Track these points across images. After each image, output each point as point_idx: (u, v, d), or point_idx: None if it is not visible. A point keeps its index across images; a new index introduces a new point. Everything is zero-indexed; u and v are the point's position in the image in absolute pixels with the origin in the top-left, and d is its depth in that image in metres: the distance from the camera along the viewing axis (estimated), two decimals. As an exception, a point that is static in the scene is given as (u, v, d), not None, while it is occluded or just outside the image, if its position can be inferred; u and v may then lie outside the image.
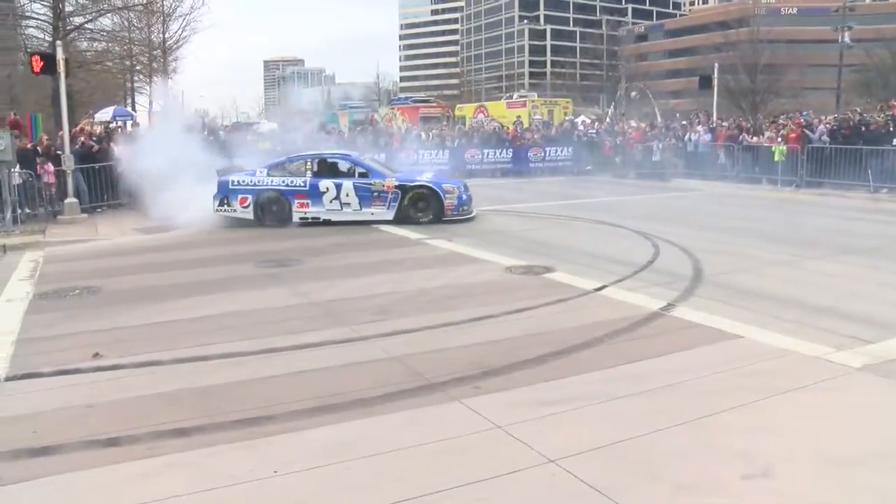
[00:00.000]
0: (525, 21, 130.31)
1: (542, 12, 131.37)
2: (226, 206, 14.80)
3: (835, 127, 21.89)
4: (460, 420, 5.05)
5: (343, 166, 15.20)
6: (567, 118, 33.08)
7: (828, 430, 4.96)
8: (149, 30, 34.75)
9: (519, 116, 32.25)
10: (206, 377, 6.03)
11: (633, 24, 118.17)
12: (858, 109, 26.41)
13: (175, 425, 5.01)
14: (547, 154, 27.07)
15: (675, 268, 10.11)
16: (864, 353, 6.46)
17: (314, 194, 14.73)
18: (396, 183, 14.87)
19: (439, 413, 5.21)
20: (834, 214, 16.05)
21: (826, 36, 57.10)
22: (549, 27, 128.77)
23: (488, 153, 27.06)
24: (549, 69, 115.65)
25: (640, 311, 7.80)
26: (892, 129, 19.43)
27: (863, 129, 20.77)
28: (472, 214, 15.31)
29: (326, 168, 15.09)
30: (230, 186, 14.81)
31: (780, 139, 22.08)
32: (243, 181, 14.88)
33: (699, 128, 25.49)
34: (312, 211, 14.79)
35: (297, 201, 14.74)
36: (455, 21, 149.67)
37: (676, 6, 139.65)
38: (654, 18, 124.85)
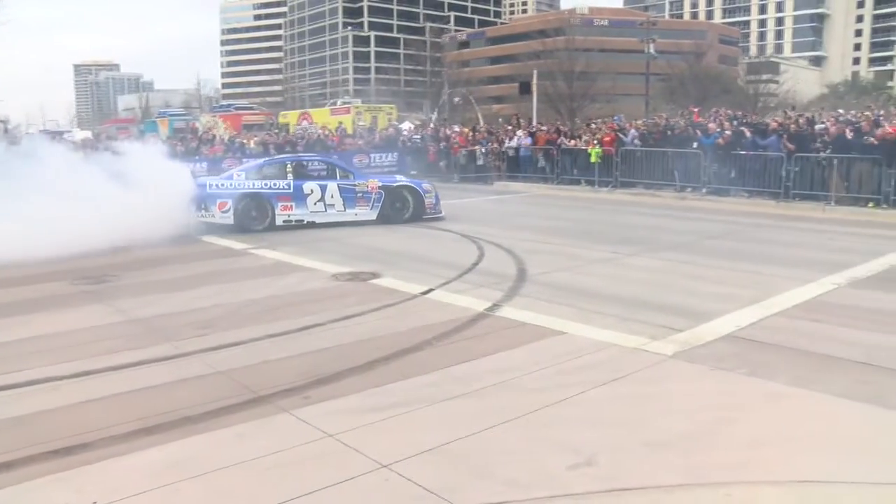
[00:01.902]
0: (349, 28, 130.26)
1: (366, 19, 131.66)
2: (204, 211, 14.29)
3: (645, 131, 23.41)
4: (291, 431, 5.00)
5: (322, 168, 15.70)
6: (391, 124, 33.33)
7: (646, 416, 5.28)
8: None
9: (341, 123, 32.10)
10: (16, 406, 5.62)
11: (456, 31, 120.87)
12: (665, 115, 28.40)
13: (-20, 461, 4.65)
14: (372, 160, 27.12)
15: (500, 269, 10.43)
16: (675, 342, 6.95)
17: (298, 196, 14.78)
18: (380, 184, 15.43)
19: (269, 426, 5.14)
20: (647, 213, 17.13)
21: (635, 46, 60.89)
22: (373, 34, 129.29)
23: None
24: (373, 75, 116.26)
25: (467, 313, 7.99)
26: (692, 133, 20.99)
27: (669, 133, 22.28)
28: (441, 214, 15.82)
29: (306, 170, 15.48)
30: (207, 191, 14.43)
31: (595, 142, 23.28)
32: (222, 185, 14.66)
33: (520, 132, 26.39)
34: (297, 213, 14.81)
35: (280, 204, 14.69)
36: (278, 27, 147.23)
37: (498, 14, 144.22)
38: (477, 26, 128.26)
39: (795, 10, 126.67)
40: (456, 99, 61.63)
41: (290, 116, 43.64)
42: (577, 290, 9.22)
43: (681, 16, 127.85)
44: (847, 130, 18.00)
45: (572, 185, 23.02)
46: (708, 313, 7.95)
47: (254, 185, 14.67)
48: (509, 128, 28.64)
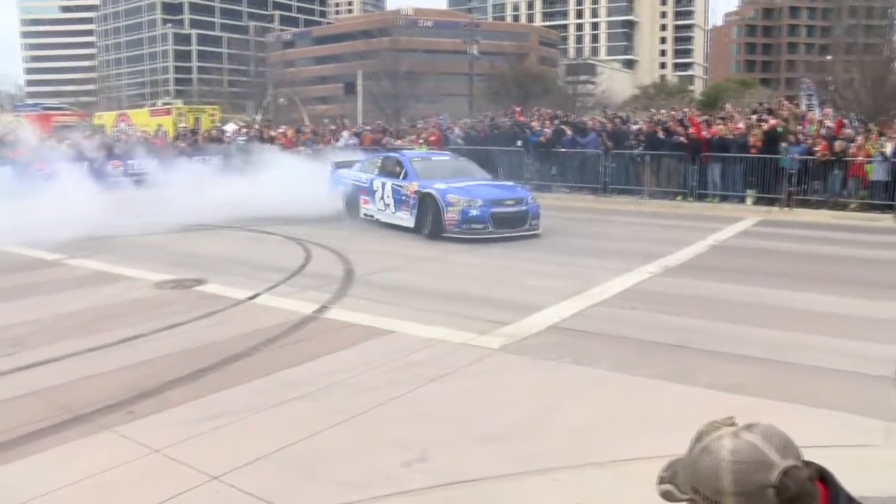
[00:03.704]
0: (168, 24, 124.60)
1: (186, 16, 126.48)
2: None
3: (469, 130, 24.08)
4: (115, 450, 4.77)
5: (397, 165, 14.78)
6: (215, 125, 32.34)
7: (476, 409, 5.44)
8: None
9: (161, 125, 30.76)
10: None
11: (281, 30, 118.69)
12: (490, 114, 29.27)
13: None
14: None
15: (327, 270, 10.40)
16: (502, 335, 7.20)
17: (371, 192, 14.79)
18: (417, 187, 13.73)
19: (91, 446, 4.87)
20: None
21: (458, 47, 62.21)
22: (194, 32, 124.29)
23: (132, 164, 25.55)
24: (195, 75, 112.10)
25: (295, 316, 7.93)
26: (520, 131, 21.87)
27: (494, 131, 23.05)
28: (527, 231, 13.50)
29: (389, 166, 14.88)
30: (339, 179, 15.69)
31: (421, 141, 23.67)
32: (344, 175, 15.79)
33: (345, 133, 26.40)
34: (371, 209, 14.84)
35: (362, 198, 14.99)
36: (90, 20, 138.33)
37: (323, 14, 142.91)
38: (302, 26, 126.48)
39: (608, 16, 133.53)
40: (281, 99, 60.67)
41: (105, 118, 41.17)
42: (404, 289, 9.37)
43: (503, 18, 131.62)
44: (658, 130, 19.42)
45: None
46: (532, 306, 8.29)
47: (354, 177, 15.56)
48: (333, 128, 28.57)
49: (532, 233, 13.39)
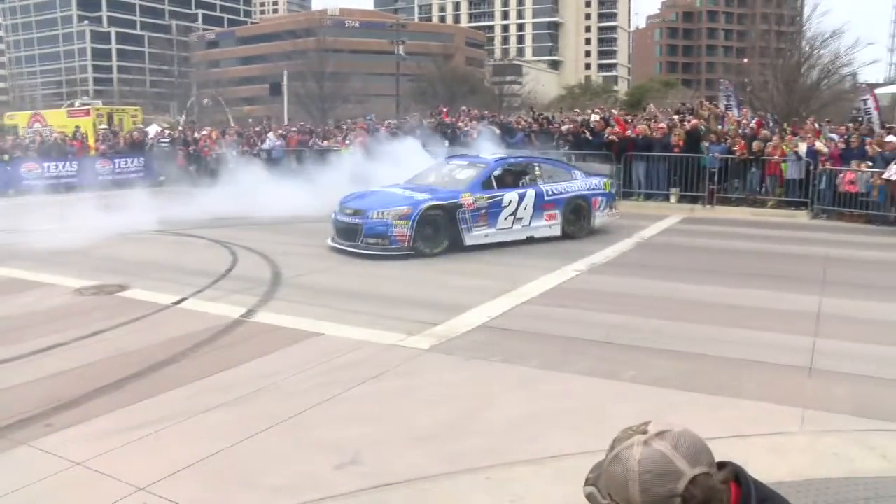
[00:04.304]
0: (85, 21, 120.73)
1: (104, 13, 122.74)
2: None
3: (395, 130, 24.10)
4: (33, 465, 4.58)
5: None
6: (137, 127, 31.54)
7: (407, 410, 5.44)
8: None
9: (78, 126, 29.77)
10: None
11: (205, 30, 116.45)
12: (417, 114, 29.33)
13: None
14: (116, 166, 25.61)
15: (254, 273, 10.25)
16: (431, 335, 7.22)
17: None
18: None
19: (7, 462, 4.67)
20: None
21: (385, 48, 62.07)
22: (113, 29, 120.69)
23: (49, 166, 24.78)
24: (115, 75, 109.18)
25: (222, 321, 7.80)
26: (446, 132, 22.07)
27: (418, 131, 23.13)
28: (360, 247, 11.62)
29: None
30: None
31: (348, 142, 23.57)
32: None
33: (271, 134, 26.10)
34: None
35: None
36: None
37: (248, 14, 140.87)
38: (226, 25, 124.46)
39: (534, 17, 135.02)
40: (205, 100, 59.61)
41: (18, 118, 39.65)
42: (332, 291, 9.30)
43: (430, 19, 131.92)
44: (584, 130, 19.80)
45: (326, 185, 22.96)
46: (461, 306, 8.32)
47: None
48: (258, 129, 28.23)
49: (363, 251, 11.52)
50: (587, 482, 1.54)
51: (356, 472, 4.47)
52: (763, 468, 4.18)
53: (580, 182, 13.58)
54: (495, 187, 12.48)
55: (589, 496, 1.53)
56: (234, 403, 5.57)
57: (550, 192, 13.00)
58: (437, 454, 4.70)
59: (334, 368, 6.33)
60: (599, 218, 13.69)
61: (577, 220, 13.32)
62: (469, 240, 11.99)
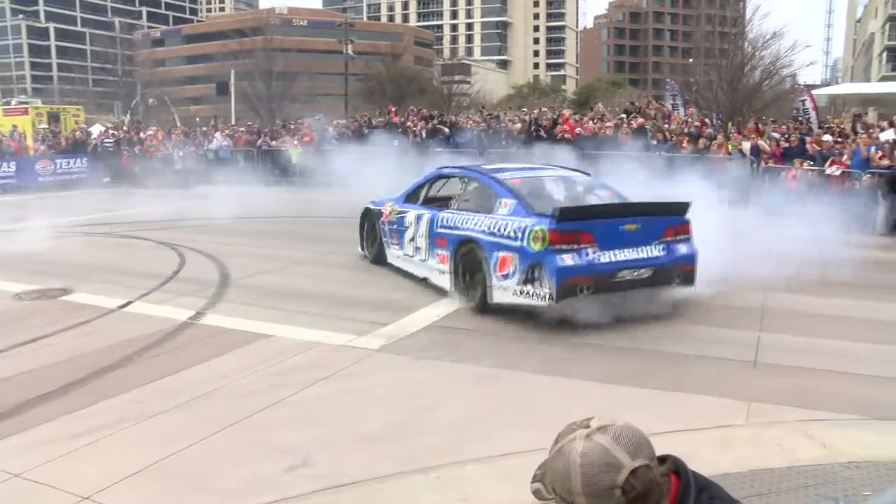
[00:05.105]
0: (21, 16, 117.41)
1: (42, 8, 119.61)
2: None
3: (344, 130, 24.03)
4: (-33, 478, 4.41)
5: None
6: (79, 127, 30.83)
7: (358, 410, 5.42)
8: None
9: (16, 126, 28.92)
10: None
11: (149, 27, 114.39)
12: (367, 114, 29.24)
13: None
14: (58, 166, 25.04)
15: (202, 275, 10.12)
16: (381, 335, 7.21)
17: None
18: None
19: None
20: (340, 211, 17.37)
21: (334, 47, 61.67)
22: (52, 25, 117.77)
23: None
24: (55, 72, 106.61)
25: (169, 324, 7.69)
26: (396, 131, 22.08)
27: (365, 131, 23.11)
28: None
29: None
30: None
31: (296, 142, 23.40)
32: None
33: (218, 134, 25.80)
34: None
35: None
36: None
37: (194, 12, 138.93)
38: (171, 23, 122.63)
39: (483, 17, 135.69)
40: (150, 100, 58.51)
41: (-50, 117, 38.44)
42: (281, 292, 9.21)
43: (378, 18, 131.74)
44: (533, 129, 20.01)
45: (275, 185, 22.79)
46: (411, 306, 8.33)
47: None
48: (204, 129, 27.90)
49: None
50: (534, 478, 1.57)
51: (308, 474, 4.45)
52: (709, 460, 4.27)
53: (492, 219, 8.05)
54: (418, 202, 9.95)
55: (535, 492, 1.55)
56: (183, 407, 5.49)
57: (444, 223, 8.87)
58: (388, 454, 4.70)
59: (284, 370, 6.28)
60: (504, 291, 7.70)
61: (469, 277, 8.32)
62: (388, 255, 10.47)
